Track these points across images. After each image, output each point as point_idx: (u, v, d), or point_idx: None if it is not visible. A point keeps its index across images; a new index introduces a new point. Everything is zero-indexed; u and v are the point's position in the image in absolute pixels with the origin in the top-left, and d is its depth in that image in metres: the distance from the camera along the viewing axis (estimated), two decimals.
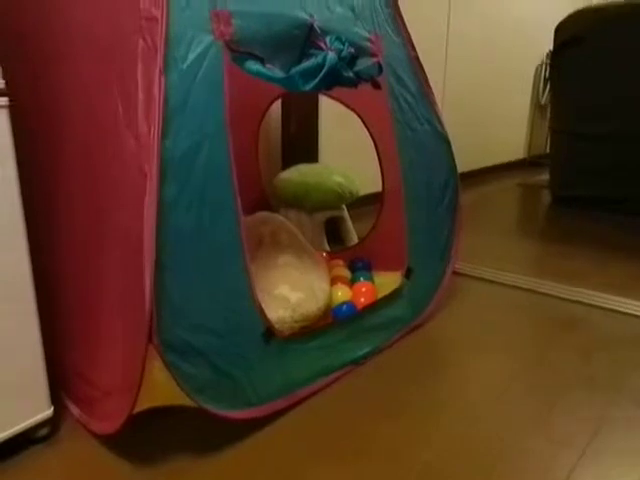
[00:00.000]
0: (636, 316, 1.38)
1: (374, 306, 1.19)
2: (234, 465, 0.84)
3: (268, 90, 1.54)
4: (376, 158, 1.42)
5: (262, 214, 1.33)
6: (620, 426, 0.93)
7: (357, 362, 1.12)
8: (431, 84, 1.29)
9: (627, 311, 1.40)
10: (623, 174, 2.37)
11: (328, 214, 1.79)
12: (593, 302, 1.46)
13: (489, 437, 0.91)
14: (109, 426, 0.84)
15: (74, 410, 0.95)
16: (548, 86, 3.41)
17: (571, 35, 2.46)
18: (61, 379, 0.99)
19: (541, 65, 3.68)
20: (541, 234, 2.30)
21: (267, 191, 1.80)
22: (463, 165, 1.93)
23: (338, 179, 1.76)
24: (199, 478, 0.81)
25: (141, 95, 0.78)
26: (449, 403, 1.01)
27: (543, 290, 1.54)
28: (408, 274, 1.24)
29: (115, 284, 0.86)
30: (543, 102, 3.74)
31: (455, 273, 1.55)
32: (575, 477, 0.82)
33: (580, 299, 1.48)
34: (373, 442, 0.89)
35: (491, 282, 1.62)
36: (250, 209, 1.34)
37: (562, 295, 1.51)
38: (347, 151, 2.02)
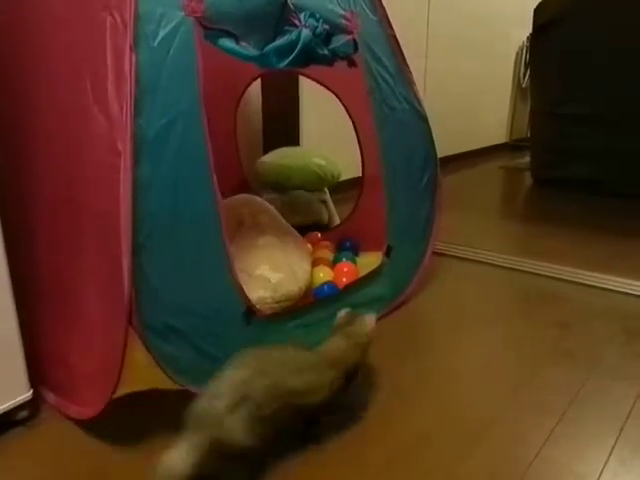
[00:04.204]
0: (613, 291, 1.41)
1: (355, 285, 1.19)
2: None
3: (245, 71, 1.53)
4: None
5: (242, 196, 1.32)
6: (596, 395, 0.95)
7: None
8: (412, 68, 1.29)
9: (604, 286, 1.43)
10: (601, 156, 2.40)
11: None
12: (571, 278, 1.48)
13: (473, 406, 0.93)
14: (90, 410, 0.84)
15: (49, 397, 0.93)
16: (529, 70, 3.42)
17: (550, 16, 2.46)
18: (37, 366, 0.97)
19: (522, 48, 3.69)
20: (522, 215, 2.32)
21: (248, 175, 1.79)
22: (445, 149, 1.93)
23: (319, 162, 1.76)
24: None
25: (111, 73, 0.77)
26: (433, 377, 1.02)
27: (523, 268, 1.56)
28: (388, 252, 1.25)
29: (92, 266, 0.85)
30: (524, 85, 3.76)
31: (437, 253, 1.56)
32: (553, 440, 0.84)
33: (559, 276, 1.50)
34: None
35: (473, 261, 1.63)
36: (230, 193, 1.33)
37: (541, 272, 1.53)
38: (329, 134, 2.01)
